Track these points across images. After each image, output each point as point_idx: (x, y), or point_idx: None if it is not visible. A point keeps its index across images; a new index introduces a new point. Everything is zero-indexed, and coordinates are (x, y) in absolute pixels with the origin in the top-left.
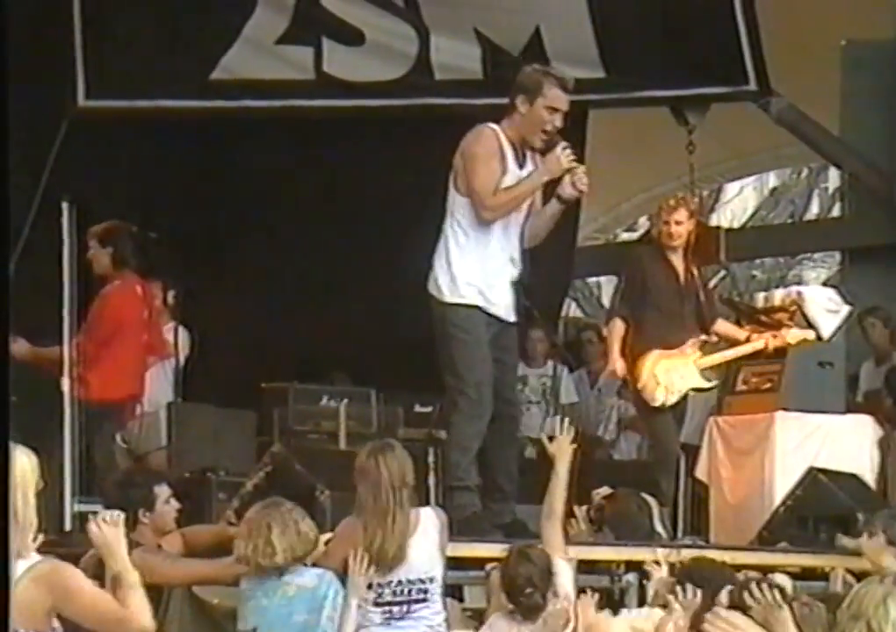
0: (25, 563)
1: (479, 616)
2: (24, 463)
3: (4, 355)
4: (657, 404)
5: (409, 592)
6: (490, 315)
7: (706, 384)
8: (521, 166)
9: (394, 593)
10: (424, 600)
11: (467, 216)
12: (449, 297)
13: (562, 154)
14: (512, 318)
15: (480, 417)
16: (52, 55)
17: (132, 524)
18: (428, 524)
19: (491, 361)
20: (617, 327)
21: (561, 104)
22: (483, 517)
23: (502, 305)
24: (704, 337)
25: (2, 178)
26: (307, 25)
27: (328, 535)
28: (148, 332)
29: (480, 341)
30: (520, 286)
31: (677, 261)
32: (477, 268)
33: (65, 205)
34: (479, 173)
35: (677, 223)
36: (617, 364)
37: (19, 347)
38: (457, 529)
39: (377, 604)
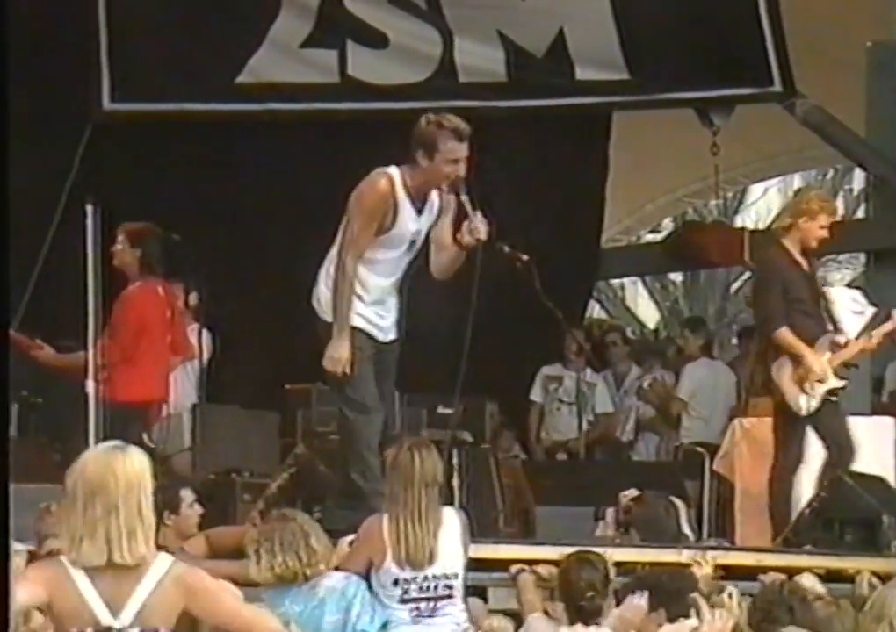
0: (163, 564)
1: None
2: (144, 463)
3: (4, 355)
4: (803, 413)
5: (436, 587)
6: (369, 337)
7: (841, 383)
8: (419, 211)
9: (421, 589)
10: (450, 596)
11: None
12: (329, 317)
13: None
14: (389, 339)
15: (370, 422)
16: (77, 59)
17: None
18: (451, 522)
19: (372, 378)
20: (789, 334)
21: (460, 153)
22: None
23: (379, 328)
24: (833, 335)
25: (2, 178)
26: (332, 28)
27: (351, 537)
28: (172, 332)
29: (359, 358)
30: (402, 313)
31: (801, 257)
32: (356, 292)
33: (89, 208)
34: (355, 224)
35: (822, 227)
36: (816, 365)
37: (44, 353)
38: None
39: (403, 601)
